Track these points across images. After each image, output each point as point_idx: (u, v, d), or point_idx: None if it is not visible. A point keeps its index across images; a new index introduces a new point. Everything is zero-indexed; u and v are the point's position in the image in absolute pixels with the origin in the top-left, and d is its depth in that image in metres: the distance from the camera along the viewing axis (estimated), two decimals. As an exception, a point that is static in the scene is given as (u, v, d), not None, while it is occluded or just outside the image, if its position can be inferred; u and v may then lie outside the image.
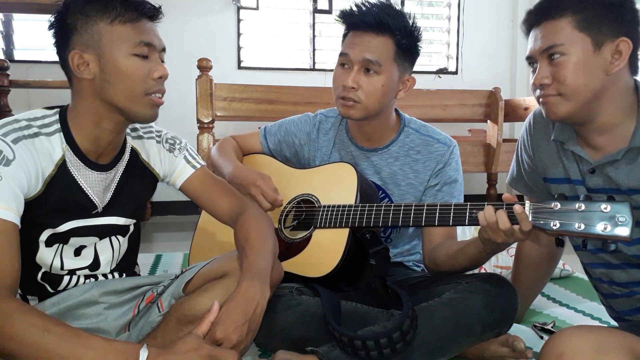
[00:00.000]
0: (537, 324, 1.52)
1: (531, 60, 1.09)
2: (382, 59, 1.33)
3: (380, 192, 1.47)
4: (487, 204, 1.09)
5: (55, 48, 1.07)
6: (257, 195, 1.39)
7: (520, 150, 1.29)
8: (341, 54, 1.38)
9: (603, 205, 0.94)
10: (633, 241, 1.06)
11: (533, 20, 1.08)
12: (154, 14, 1.07)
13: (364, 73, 1.34)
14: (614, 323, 1.28)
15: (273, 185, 1.42)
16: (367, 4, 1.35)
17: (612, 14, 1.01)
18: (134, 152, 1.19)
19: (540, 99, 1.08)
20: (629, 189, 1.05)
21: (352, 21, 1.37)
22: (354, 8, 1.36)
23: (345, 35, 1.41)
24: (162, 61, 1.10)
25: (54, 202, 1.04)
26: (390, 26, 1.32)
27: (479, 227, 1.11)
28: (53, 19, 1.05)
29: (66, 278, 1.13)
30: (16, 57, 3.38)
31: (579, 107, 1.04)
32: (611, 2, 1.02)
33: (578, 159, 1.12)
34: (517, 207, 1.03)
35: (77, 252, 1.12)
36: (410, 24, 1.35)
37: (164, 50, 1.10)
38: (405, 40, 1.34)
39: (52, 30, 1.06)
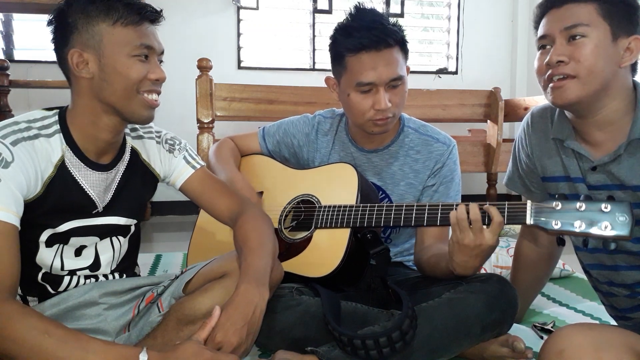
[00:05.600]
0: (537, 324, 1.51)
1: (546, 39, 1.07)
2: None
3: (380, 192, 1.47)
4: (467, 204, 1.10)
5: (53, 45, 1.07)
6: None
7: (517, 150, 1.28)
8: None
9: (603, 205, 0.95)
10: (636, 240, 1.06)
11: (555, 1, 1.06)
12: (156, 17, 1.08)
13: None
14: (614, 323, 1.28)
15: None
16: None
17: (628, 12, 1.03)
18: (134, 152, 1.19)
19: (552, 79, 1.04)
20: (633, 185, 1.05)
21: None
22: None
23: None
24: (161, 62, 1.11)
25: (54, 203, 1.04)
26: None
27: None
28: (53, 16, 1.05)
29: (66, 279, 1.13)
30: (16, 57, 3.38)
31: (590, 93, 1.02)
32: (629, 1, 1.03)
33: (578, 157, 1.12)
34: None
35: (78, 252, 1.12)
36: None
37: (162, 53, 1.11)
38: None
39: (51, 27, 1.05)
